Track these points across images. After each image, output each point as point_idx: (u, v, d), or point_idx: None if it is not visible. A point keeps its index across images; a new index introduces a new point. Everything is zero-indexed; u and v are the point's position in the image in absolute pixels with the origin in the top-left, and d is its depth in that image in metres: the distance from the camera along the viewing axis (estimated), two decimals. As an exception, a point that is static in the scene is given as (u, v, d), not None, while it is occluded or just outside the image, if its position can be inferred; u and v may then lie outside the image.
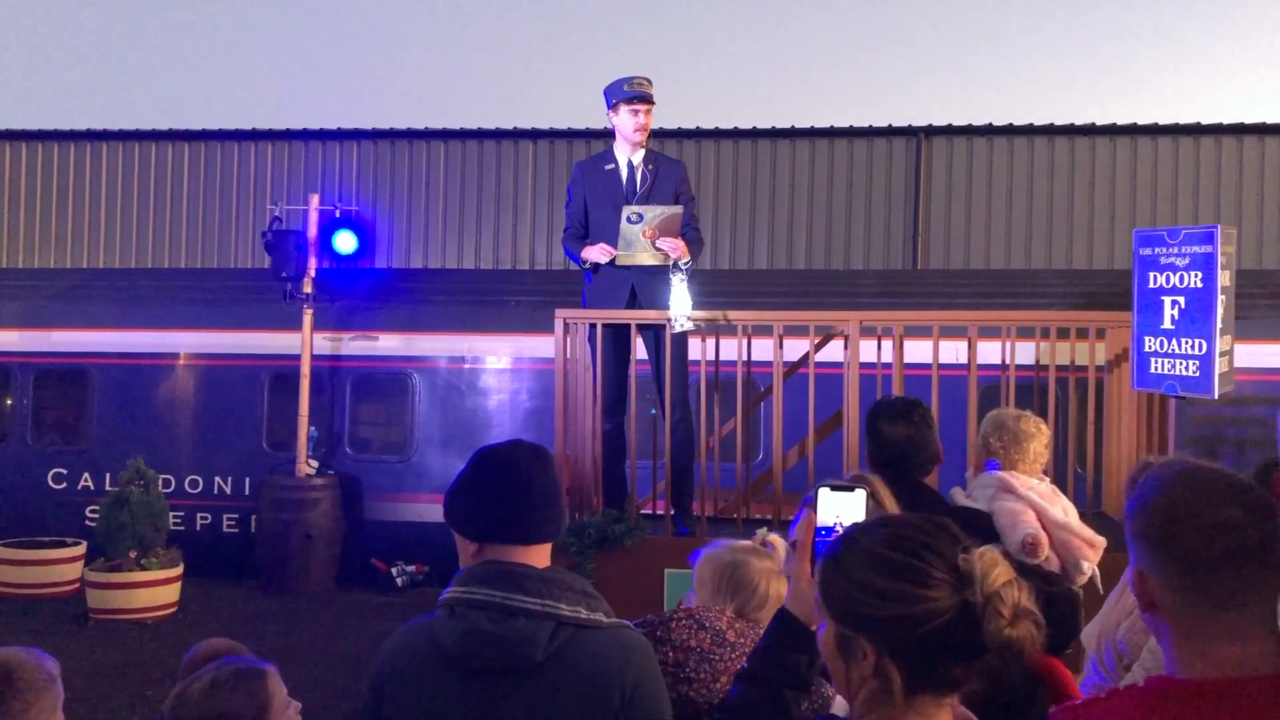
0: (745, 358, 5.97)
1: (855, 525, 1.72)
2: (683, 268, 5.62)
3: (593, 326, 5.91)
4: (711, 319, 5.97)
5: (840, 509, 1.91)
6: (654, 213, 5.69)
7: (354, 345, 9.96)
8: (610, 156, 6.05)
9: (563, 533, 2.22)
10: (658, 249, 5.67)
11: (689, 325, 5.68)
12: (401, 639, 2.14)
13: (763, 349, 6.22)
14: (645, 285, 5.85)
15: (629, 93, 5.88)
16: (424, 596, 8.85)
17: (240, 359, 10.01)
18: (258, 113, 15.88)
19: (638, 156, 5.98)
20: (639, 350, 6.08)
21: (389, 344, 9.90)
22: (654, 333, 5.98)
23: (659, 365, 5.96)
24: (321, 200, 10.17)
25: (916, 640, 1.51)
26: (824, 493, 1.95)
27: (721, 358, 6.24)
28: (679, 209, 5.75)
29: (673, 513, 5.99)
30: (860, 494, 1.95)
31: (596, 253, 5.83)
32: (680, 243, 5.67)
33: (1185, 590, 1.57)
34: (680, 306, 5.61)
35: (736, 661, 2.65)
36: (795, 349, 6.26)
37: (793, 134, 14.16)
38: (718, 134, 14.20)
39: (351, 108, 16.57)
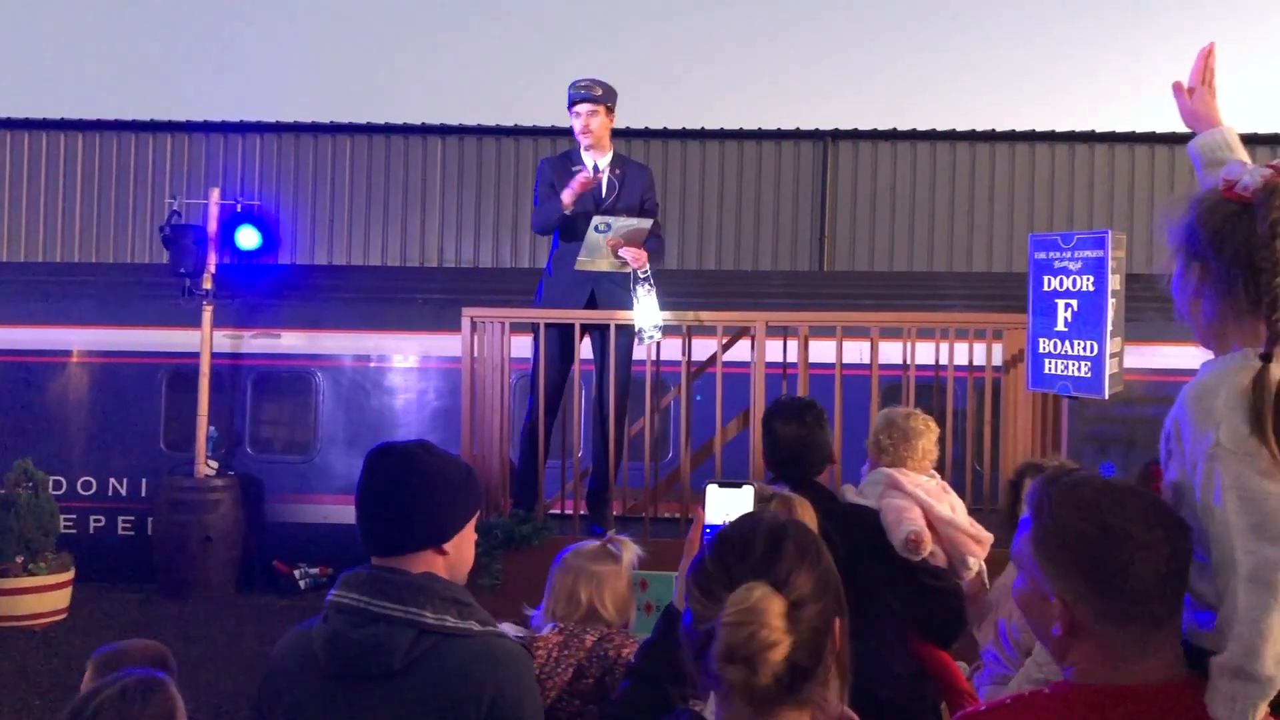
0: (654, 357, 6.00)
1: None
2: (643, 277, 5.60)
3: (536, 326, 5.87)
4: (680, 320, 5.89)
5: (729, 506, 1.93)
6: (622, 224, 5.60)
7: (256, 343, 9.75)
8: (576, 157, 5.93)
9: (449, 537, 2.09)
10: (618, 257, 5.61)
11: (657, 335, 5.65)
12: (287, 641, 2.13)
13: (671, 349, 6.26)
14: (605, 288, 5.79)
15: (571, 95, 5.85)
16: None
17: (137, 357, 9.73)
18: (156, 103, 15.38)
19: (604, 160, 5.91)
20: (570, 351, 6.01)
21: (292, 342, 9.72)
22: (599, 334, 5.95)
23: (602, 368, 5.92)
24: (222, 194, 9.96)
25: (691, 642, 1.54)
26: (712, 490, 1.97)
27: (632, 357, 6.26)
28: (648, 222, 5.66)
29: (585, 513, 5.99)
30: (748, 490, 1.97)
31: (577, 185, 5.63)
32: (642, 253, 5.59)
33: (1117, 616, 1.55)
34: (648, 318, 5.59)
35: (563, 675, 2.74)
36: (703, 349, 6.31)
37: (702, 135, 14.26)
38: (627, 134, 14.22)
39: (254, 100, 16.19)
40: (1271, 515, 1.56)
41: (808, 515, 2.61)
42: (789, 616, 1.48)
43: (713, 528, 1.89)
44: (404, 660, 1.95)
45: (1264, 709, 1.55)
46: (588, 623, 2.87)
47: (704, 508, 1.94)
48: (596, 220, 5.62)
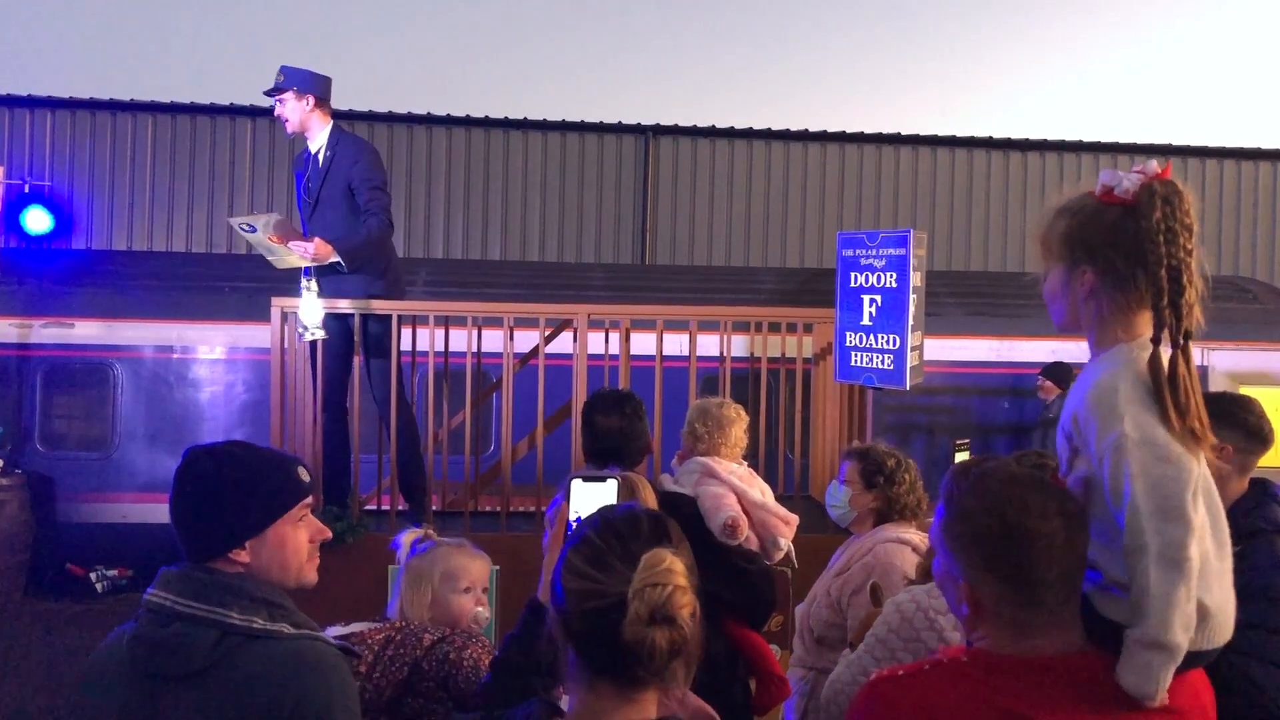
0: (475, 349, 5.95)
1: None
2: (341, 268, 5.53)
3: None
4: (407, 309, 5.87)
5: (593, 499, 1.96)
6: (259, 220, 5.49)
7: (46, 332, 9.16)
8: (302, 143, 5.90)
9: (242, 540, 2.01)
10: (291, 249, 5.50)
11: (320, 335, 5.59)
12: (106, 640, 2.07)
13: (493, 340, 6.22)
14: (328, 279, 5.69)
15: None
16: (127, 602, 8.27)
17: (-92, 347, 8.99)
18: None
19: (317, 143, 5.78)
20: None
21: (87, 331, 9.17)
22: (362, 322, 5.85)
23: (365, 362, 5.82)
24: (8, 174, 9.33)
25: (579, 619, 1.54)
26: (577, 484, 2.00)
27: (452, 349, 6.20)
28: (274, 215, 5.55)
29: (405, 508, 5.89)
30: (611, 484, 2.01)
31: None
32: (311, 245, 5.43)
33: (1017, 601, 1.71)
34: (309, 315, 5.54)
35: (397, 673, 2.72)
36: (526, 340, 6.30)
37: (524, 126, 14.21)
38: (449, 121, 14.04)
39: (43, 74, 15.16)
40: (1172, 498, 1.72)
41: (647, 493, 2.67)
42: (690, 579, 1.53)
43: (579, 520, 1.90)
44: (205, 661, 1.90)
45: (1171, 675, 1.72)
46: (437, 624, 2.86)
47: (568, 500, 1.96)
48: (233, 223, 5.63)
